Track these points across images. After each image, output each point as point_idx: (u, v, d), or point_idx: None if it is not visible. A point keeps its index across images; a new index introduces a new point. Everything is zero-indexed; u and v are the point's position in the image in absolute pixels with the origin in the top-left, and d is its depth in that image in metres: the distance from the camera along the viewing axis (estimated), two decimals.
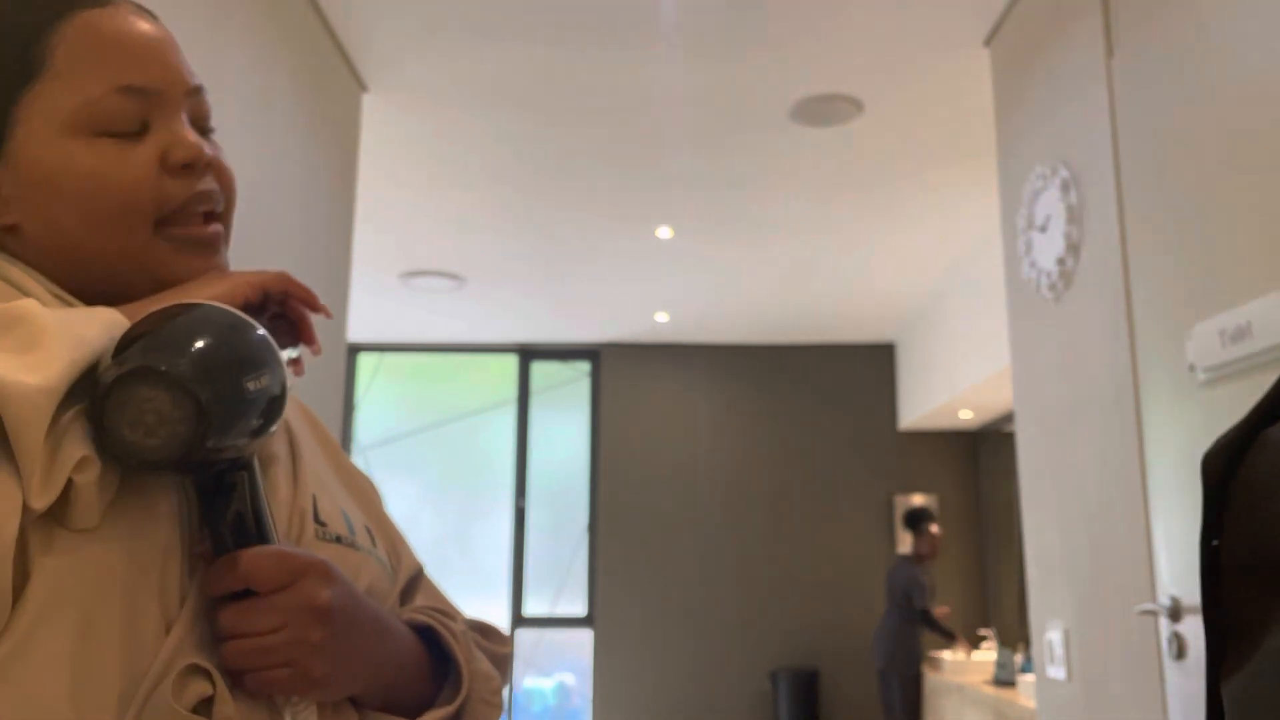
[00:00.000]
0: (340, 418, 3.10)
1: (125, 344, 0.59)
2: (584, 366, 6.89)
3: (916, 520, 5.63)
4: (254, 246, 2.49)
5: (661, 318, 6.17)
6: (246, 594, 0.62)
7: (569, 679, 6.61)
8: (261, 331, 0.64)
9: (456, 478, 6.79)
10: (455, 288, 5.53)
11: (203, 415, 0.56)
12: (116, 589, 0.58)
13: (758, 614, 6.42)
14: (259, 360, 0.62)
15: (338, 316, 3.12)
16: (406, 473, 6.70)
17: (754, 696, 6.31)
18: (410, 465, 6.72)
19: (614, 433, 6.65)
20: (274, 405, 0.63)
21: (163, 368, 0.56)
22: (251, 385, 0.60)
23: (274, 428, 0.64)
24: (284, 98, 2.70)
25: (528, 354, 6.85)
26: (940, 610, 5.46)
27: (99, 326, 0.60)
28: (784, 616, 6.39)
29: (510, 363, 6.85)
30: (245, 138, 2.46)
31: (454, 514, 6.71)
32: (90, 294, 0.71)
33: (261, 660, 0.61)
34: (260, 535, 0.64)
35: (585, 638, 6.50)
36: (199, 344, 0.59)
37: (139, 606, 0.59)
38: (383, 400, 6.83)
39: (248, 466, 0.64)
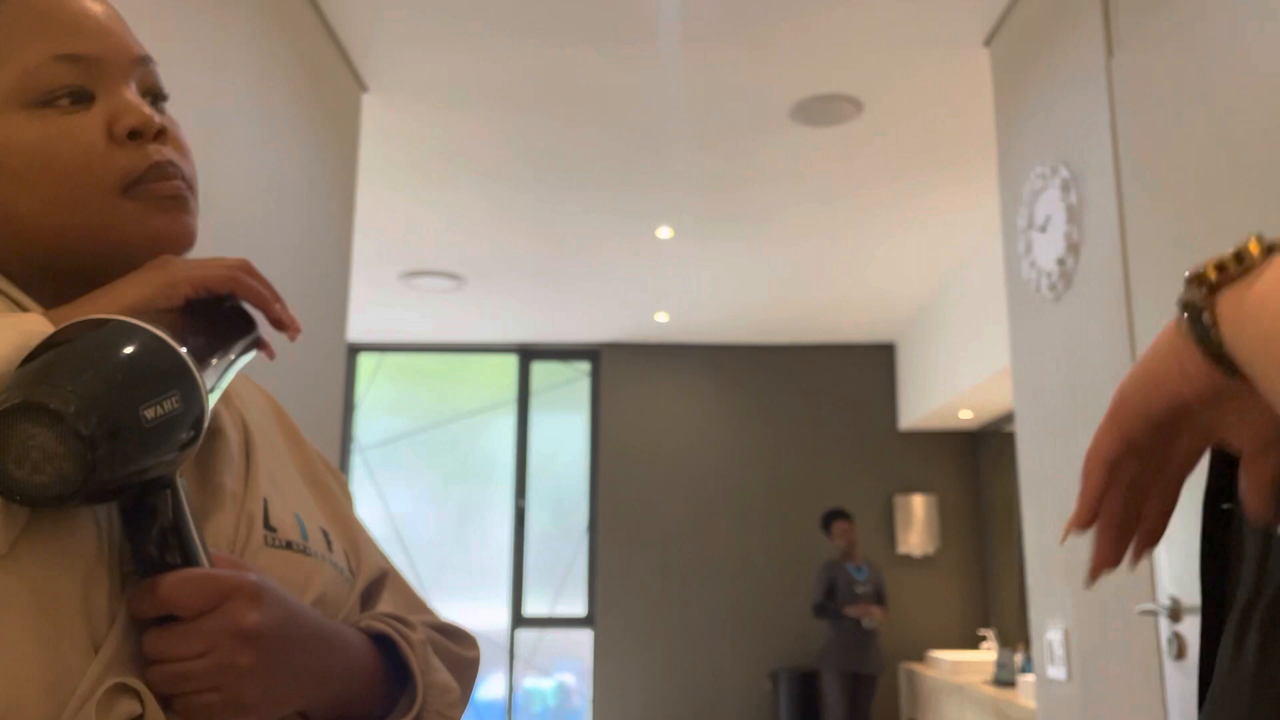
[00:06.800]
0: (340, 418, 3.10)
1: (25, 364, 0.56)
2: (584, 366, 6.89)
3: (825, 522, 5.88)
4: (254, 246, 2.49)
5: (661, 318, 6.17)
6: (172, 617, 0.60)
7: (569, 679, 6.61)
8: (173, 350, 0.59)
9: (456, 478, 6.79)
10: (455, 288, 5.53)
11: (89, 450, 0.53)
12: (31, 614, 0.56)
13: (758, 614, 6.42)
14: (164, 384, 0.57)
15: (338, 316, 3.11)
16: (406, 473, 6.71)
17: (754, 696, 6.31)
18: (410, 465, 6.73)
19: (614, 433, 6.65)
20: (191, 427, 0.60)
21: (48, 403, 0.53)
22: (151, 413, 0.56)
23: (190, 450, 0.61)
24: (284, 97, 2.70)
25: (528, 354, 6.85)
26: (858, 609, 5.51)
27: (13, 341, 0.57)
28: (784, 616, 6.39)
29: (510, 363, 6.85)
30: (245, 138, 2.46)
31: (454, 514, 6.71)
32: (52, 270, 0.69)
33: (186, 685, 0.60)
34: (185, 557, 0.61)
35: (585, 638, 6.50)
36: (91, 372, 0.55)
37: (60, 629, 0.57)
38: (383, 400, 6.83)
39: (169, 485, 0.61)
